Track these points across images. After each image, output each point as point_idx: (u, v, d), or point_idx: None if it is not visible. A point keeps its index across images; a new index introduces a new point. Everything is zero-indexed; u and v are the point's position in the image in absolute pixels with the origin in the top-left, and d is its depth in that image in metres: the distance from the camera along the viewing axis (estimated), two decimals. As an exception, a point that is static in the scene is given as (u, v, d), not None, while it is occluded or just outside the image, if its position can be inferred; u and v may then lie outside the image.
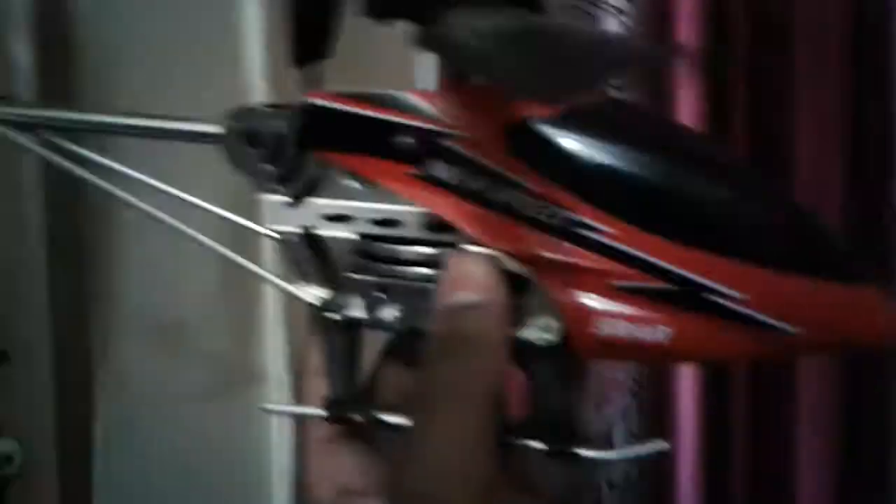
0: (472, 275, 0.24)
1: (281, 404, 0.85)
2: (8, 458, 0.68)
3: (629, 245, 0.23)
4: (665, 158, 0.23)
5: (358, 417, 0.26)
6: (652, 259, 0.22)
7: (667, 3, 0.77)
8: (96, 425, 0.72)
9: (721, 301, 0.22)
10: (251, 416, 0.86)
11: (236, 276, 0.85)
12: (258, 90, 0.86)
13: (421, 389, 0.24)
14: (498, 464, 0.24)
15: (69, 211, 0.70)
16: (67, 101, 0.70)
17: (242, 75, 0.87)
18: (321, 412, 0.27)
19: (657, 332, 0.23)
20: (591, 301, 0.23)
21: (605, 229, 0.23)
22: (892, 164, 0.73)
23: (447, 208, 0.24)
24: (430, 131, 0.24)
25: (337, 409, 0.27)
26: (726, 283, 0.22)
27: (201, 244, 0.30)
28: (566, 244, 0.23)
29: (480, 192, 0.24)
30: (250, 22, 0.87)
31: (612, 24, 0.76)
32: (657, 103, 0.78)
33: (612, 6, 0.77)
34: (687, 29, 0.77)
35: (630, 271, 0.23)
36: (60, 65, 0.70)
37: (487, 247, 0.24)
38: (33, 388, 0.68)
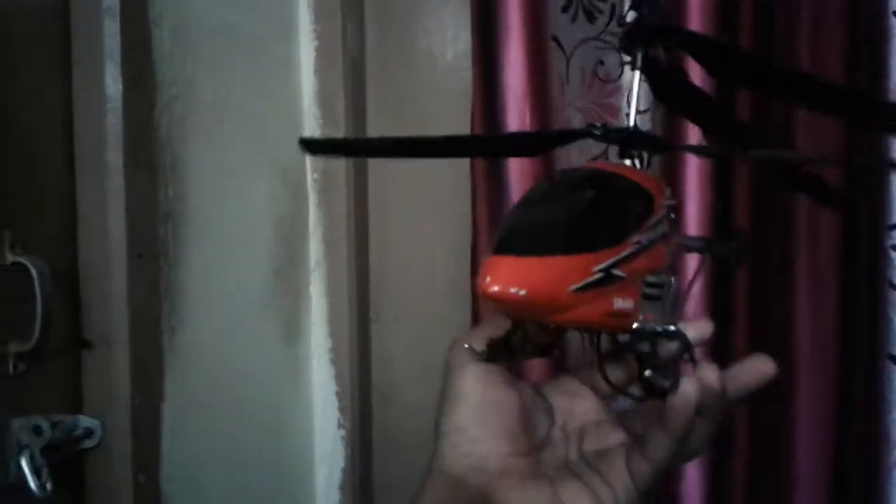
0: None
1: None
2: (89, 433, 0.78)
3: None
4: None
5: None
6: None
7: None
8: (165, 405, 0.82)
9: None
10: (299, 401, 0.96)
11: (287, 270, 0.95)
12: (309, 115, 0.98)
13: None
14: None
15: (146, 219, 0.81)
16: (147, 127, 0.81)
17: (297, 104, 0.99)
18: None
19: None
20: None
21: None
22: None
23: None
24: None
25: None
26: None
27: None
28: None
29: None
30: (304, 60, 0.99)
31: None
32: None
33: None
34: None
35: None
36: (143, 96, 0.81)
37: None
38: (112, 372, 0.78)
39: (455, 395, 0.38)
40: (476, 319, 0.89)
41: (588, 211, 0.34)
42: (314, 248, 0.99)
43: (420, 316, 0.99)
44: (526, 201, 0.36)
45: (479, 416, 0.38)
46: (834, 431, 0.76)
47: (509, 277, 0.32)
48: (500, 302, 0.33)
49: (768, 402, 0.79)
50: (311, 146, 0.47)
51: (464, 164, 0.89)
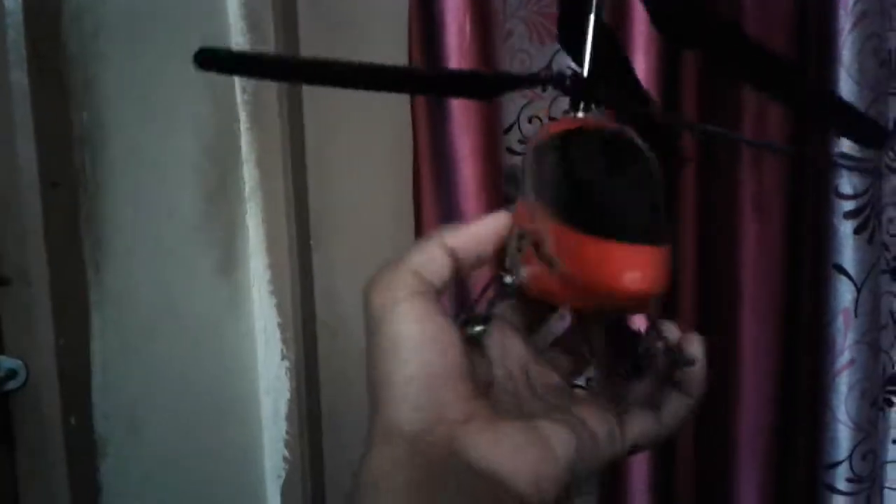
0: None
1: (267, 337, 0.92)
2: (12, 374, 0.74)
3: None
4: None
5: None
6: None
7: None
8: (94, 343, 0.78)
9: None
10: (240, 333, 0.93)
11: (220, 197, 0.91)
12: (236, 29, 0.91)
13: None
14: None
15: (60, 145, 0.75)
16: (54, 44, 0.74)
17: (223, 17, 0.92)
18: None
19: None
20: None
21: None
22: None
23: None
24: None
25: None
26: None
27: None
28: None
29: None
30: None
31: None
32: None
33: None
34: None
35: None
36: (46, 10, 0.74)
37: None
38: (32, 311, 0.73)
39: (393, 342, 0.33)
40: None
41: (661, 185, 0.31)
42: (248, 174, 0.94)
43: (363, 242, 0.95)
44: (600, 170, 0.31)
45: (426, 360, 0.33)
46: (780, 340, 0.77)
47: (655, 272, 0.28)
48: (637, 300, 0.29)
49: (715, 311, 0.79)
50: (207, 60, 0.35)
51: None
